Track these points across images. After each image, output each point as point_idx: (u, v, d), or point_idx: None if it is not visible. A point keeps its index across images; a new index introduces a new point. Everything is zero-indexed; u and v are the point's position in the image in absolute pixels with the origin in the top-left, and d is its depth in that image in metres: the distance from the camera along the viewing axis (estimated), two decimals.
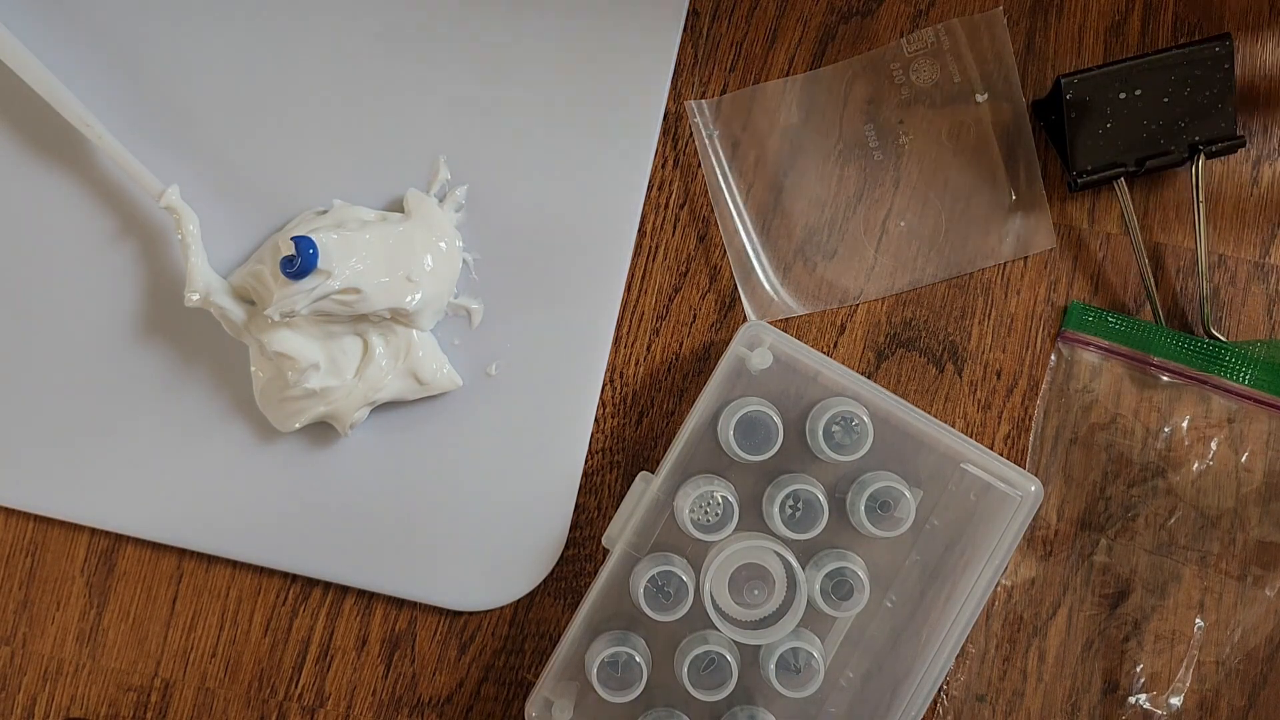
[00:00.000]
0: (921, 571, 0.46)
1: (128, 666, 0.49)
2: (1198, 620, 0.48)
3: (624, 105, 0.49)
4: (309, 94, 0.49)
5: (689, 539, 0.45)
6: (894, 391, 0.47)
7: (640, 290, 0.50)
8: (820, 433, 0.45)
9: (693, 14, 0.50)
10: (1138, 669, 0.49)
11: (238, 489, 0.49)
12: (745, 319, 0.49)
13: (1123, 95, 0.47)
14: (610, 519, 0.46)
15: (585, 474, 0.49)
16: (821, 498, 0.45)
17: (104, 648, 0.49)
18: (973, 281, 0.50)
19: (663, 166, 0.50)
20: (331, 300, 0.45)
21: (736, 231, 0.49)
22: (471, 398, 0.49)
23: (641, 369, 0.50)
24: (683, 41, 0.50)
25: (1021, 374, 0.49)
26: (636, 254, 0.50)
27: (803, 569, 0.45)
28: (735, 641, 0.45)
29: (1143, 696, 0.48)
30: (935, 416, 0.46)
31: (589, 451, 0.49)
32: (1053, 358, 0.49)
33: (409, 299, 0.46)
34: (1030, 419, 0.49)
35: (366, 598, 0.49)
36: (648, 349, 0.50)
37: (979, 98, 0.49)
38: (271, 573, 0.49)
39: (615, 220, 0.49)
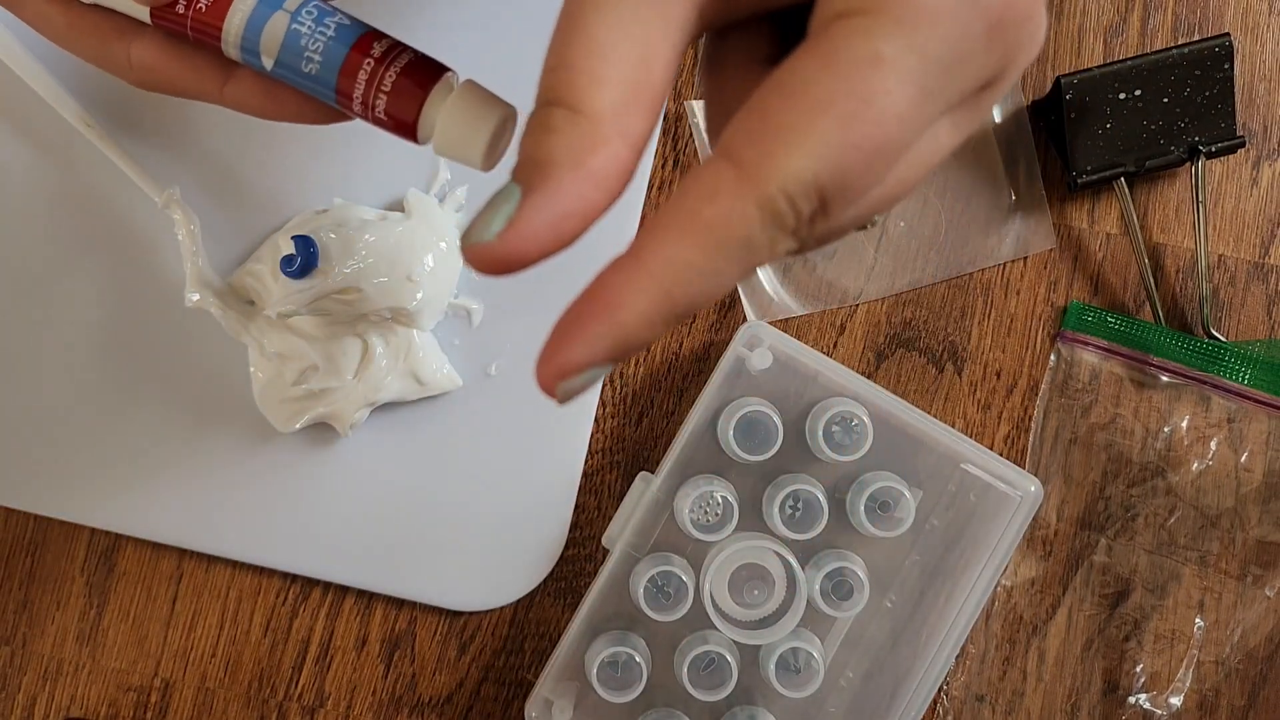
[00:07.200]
0: (921, 572, 0.46)
1: (128, 666, 0.49)
2: (1198, 620, 0.48)
3: None
4: None
5: (689, 539, 0.45)
6: (894, 392, 0.47)
7: None
8: (820, 433, 0.45)
9: None
10: (1138, 669, 0.48)
11: (238, 489, 0.49)
12: (745, 319, 0.49)
13: (1122, 95, 0.47)
14: (610, 519, 0.46)
15: (585, 474, 0.49)
16: (821, 498, 0.45)
17: (104, 647, 0.49)
18: (972, 282, 0.50)
19: (663, 167, 0.50)
20: (331, 300, 0.45)
21: None
22: (471, 398, 0.49)
23: (641, 369, 0.50)
24: None
25: (1021, 374, 0.49)
26: None
27: (802, 569, 0.45)
28: (735, 641, 0.45)
29: (1143, 696, 0.48)
30: (935, 417, 0.46)
31: (589, 451, 0.49)
32: (1052, 358, 0.49)
33: (409, 299, 0.46)
34: (1030, 419, 0.49)
35: (366, 598, 0.49)
36: (647, 349, 0.50)
37: None
38: (271, 573, 0.49)
39: (615, 220, 0.48)
